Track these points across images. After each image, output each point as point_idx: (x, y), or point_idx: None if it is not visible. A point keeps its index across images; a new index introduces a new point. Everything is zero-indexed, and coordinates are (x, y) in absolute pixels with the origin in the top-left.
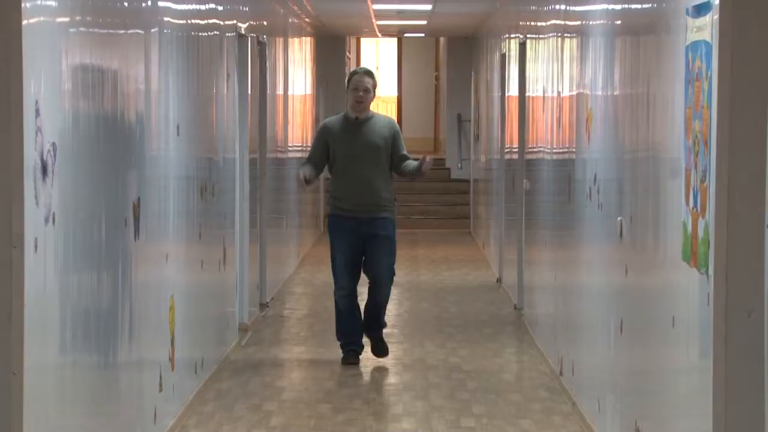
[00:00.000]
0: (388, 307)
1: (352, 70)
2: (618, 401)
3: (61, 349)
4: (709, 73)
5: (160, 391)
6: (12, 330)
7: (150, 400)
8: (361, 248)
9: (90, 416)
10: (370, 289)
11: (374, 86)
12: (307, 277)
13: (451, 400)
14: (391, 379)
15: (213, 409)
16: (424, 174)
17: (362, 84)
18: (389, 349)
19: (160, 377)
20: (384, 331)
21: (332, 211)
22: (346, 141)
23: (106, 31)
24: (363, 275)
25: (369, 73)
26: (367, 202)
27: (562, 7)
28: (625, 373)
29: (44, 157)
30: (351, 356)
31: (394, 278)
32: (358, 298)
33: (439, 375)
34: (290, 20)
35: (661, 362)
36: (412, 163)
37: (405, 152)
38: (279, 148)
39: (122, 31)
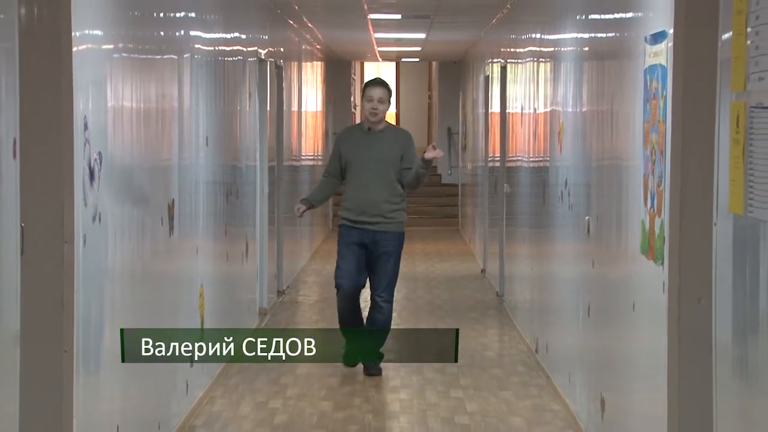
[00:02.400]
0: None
1: (366, 80)
2: (586, 375)
3: (105, 330)
4: (664, 92)
5: (191, 366)
6: (64, 314)
7: (182, 375)
8: (365, 258)
9: (131, 389)
10: (370, 305)
11: (389, 97)
12: (318, 268)
13: (441, 374)
14: (390, 356)
15: (237, 382)
16: (430, 162)
17: (377, 94)
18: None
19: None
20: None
21: (341, 221)
22: (359, 152)
23: (144, 56)
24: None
25: (383, 84)
26: (375, 214)
27: (538, 35)
28: (592, 351)
29: (91, 165)
30: (350, 365)
31: (393, 299)
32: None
33: None
34: (304, 47)
35: (623, 342)
36: (414, 168)
37: (411, 165)
38: (293, 157)
39: (159, 57)
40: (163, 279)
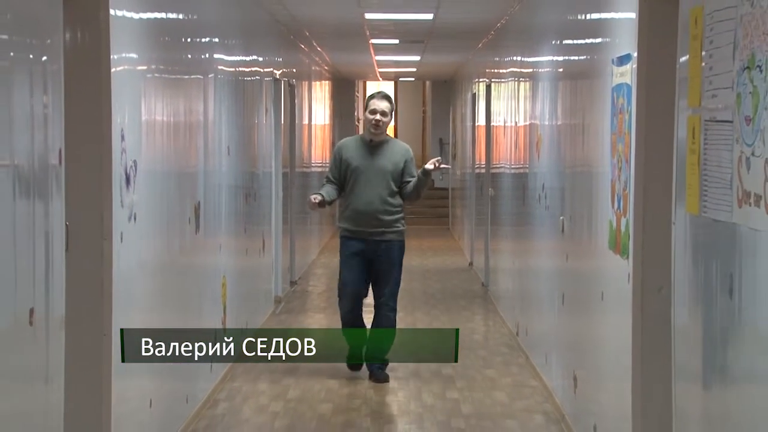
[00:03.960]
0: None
1: (370, 93)
2: (560, 356)
3: (139, 316)
4: (629, 107)
5: None
6: (103, 302)
7: None
8: (368, 268)
9: (162, 367)
10: (374, 314)
11: (391, 110)
12: (325, 261)
13: None
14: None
15: (255, 361)
16: (430, 173)
17: (380, 107)
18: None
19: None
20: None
21: (341, 232)
22: (359, 162)
23: (174, 76)
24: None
25: (387, 97)
26: (375, 224)
27: (518, 58)
28: (566, 334)
29: (127, 171)
30: (355, 367)
31: (397, 308)
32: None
33: None
34: (313, 68)
35: (592, 326)
36: (414, 180)
37: (412, 178)
38: (304, 164)
39: (186, 77)
40: (190, 271)
